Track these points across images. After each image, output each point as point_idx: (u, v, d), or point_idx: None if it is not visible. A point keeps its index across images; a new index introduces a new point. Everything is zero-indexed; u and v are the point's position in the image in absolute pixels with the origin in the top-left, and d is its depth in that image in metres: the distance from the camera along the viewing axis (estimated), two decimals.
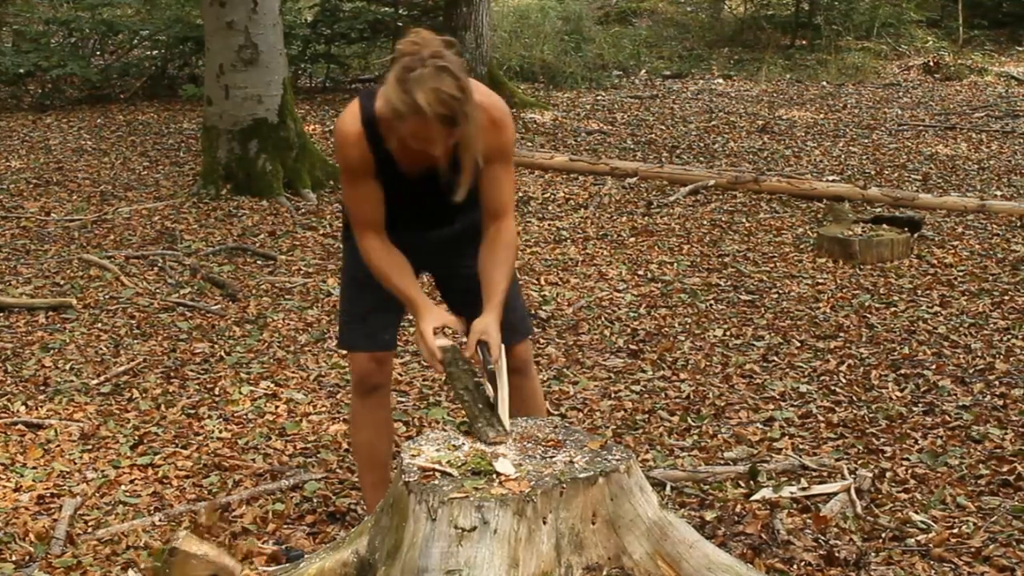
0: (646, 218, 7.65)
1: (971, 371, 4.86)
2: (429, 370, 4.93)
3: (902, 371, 4.87)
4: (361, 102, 2.93)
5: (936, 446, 4.10)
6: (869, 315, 5.63)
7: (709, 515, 3.54)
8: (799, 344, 5.25)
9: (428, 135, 2.69)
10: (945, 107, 12.34)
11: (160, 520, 3.61)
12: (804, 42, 16.03)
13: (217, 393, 4.72)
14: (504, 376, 2.85)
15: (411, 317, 3.02)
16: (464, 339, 2.89)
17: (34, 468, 4.01)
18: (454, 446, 2.74)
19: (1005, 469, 3.87)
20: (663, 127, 11.12)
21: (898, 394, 4.63)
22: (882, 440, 4.17)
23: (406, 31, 2.74)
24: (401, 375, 4.84)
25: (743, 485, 3.79)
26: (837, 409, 4.48)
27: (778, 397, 4.63)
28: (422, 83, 2.61)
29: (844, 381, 4.78)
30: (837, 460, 3.97)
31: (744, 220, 7.55)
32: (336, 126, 2.96)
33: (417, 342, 2.96)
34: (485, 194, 2.98)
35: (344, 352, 3.44)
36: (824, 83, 14.19)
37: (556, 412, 4.43)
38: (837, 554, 3.26)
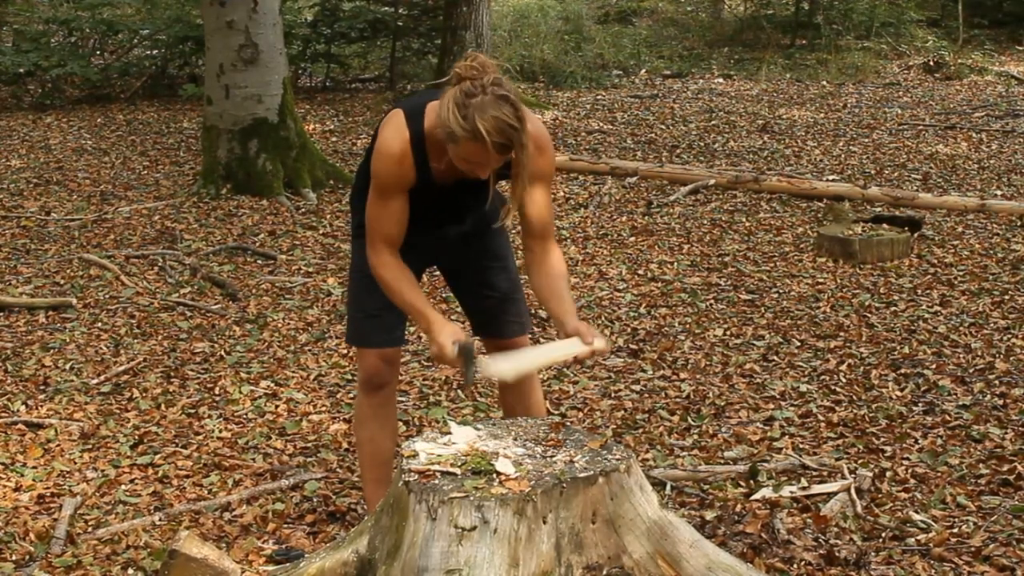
0: (646, 218, 7.65)
1: (971, 370, 4.85)
2: (429, 370, 4.93)
3: (902, 371, 4.87)
4: (407, 119, 2.94)
5: (936, 445, 4.10)
6: (869, 315, 5.63)
7: (709, 515, 3.54)
8: (799, 344, 5.25)
9: (481, 159, 2.77)
10: (945, 106, 12.33)
11: (160, 520, 3.61)
12: (804, 42, 16.03)
13: (217, 393, 4.72)
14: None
15: (421, 329, 3.05)
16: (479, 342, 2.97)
17: (34, 468, 4.01)
18: (453, 444, 2.74)
19: (1005, 469, 3.87)
20: (663, 127, 11.12)
21: (898, 393, 4.63)
22: (882, 440, 4.17)
23: (468, 56, 2.79)
24: (401, 375, 4.83)
25: (743, 485, 3.80)
26: (837, 409, 4.48)
27: (778, 397, 4.63)
28: (483, 110, 2.68)
29: (844, 381, 4.78)
30: (837, 460, 3.97)
31: (744, 220, 7.55)
32: (379, 143, 2.97)
33: (434, 355, 3.00)
34: (529, 215, 3.03)
35: (353, 348, 3.45)
36: (824, 83, 14.18)
37: (556, 412, 4.43)
38: (837, 554, 3.26)
